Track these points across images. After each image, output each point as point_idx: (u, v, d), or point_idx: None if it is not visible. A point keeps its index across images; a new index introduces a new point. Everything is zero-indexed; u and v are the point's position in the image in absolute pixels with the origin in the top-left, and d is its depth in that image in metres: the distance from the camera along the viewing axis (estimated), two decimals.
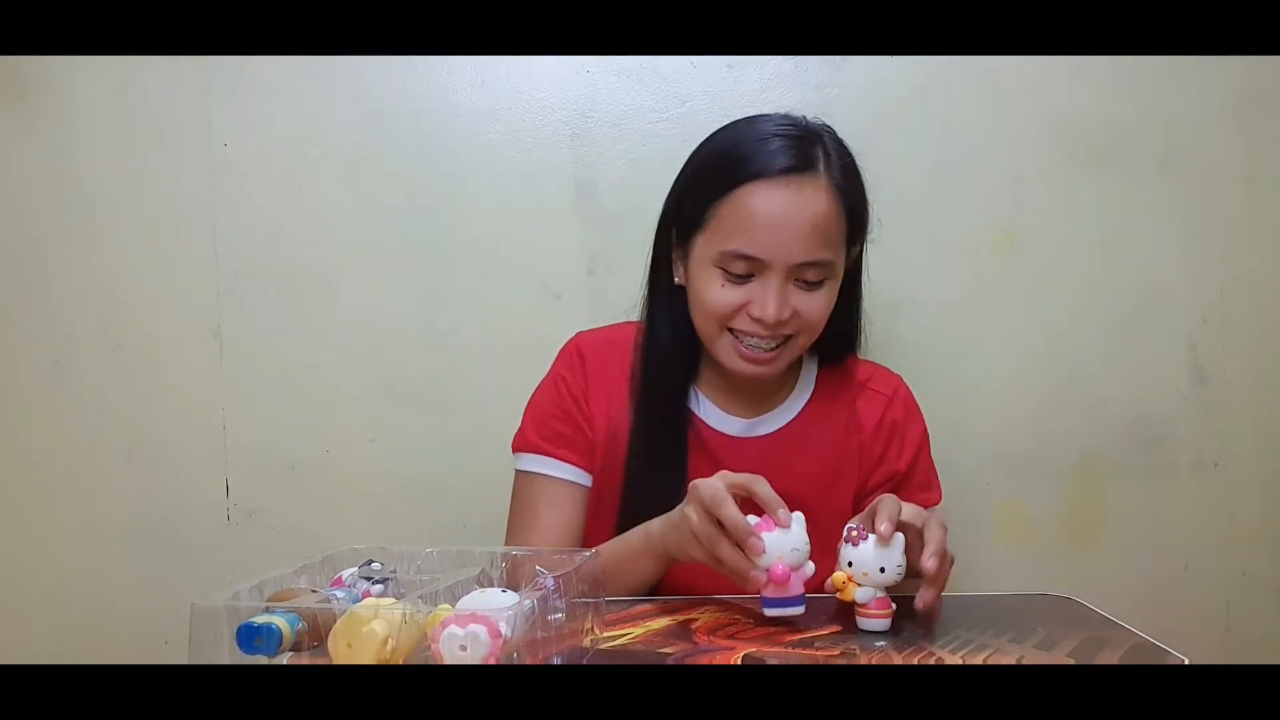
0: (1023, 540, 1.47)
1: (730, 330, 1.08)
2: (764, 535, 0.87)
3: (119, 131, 1.44)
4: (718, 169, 1.07)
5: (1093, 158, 1.45)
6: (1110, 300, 1.46)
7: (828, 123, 1.11)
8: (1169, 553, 1.47)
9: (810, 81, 1.44)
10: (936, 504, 1.18)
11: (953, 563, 0.93)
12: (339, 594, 0.84)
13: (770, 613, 0.89)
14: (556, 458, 1.16)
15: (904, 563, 0.87)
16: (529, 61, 1.44)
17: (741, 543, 0.87)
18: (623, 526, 1.10)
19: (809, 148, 1.05)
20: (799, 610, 0.89)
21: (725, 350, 1.09)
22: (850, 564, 0.88)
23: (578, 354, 1.19)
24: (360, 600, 0.86)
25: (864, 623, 0.89)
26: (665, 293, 1.15)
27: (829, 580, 0.90)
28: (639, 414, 1.14)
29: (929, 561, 0.87)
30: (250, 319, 1.45)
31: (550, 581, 0.81)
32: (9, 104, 1.44)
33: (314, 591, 0.84)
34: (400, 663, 0.73)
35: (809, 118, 1.10)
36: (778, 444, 1.16)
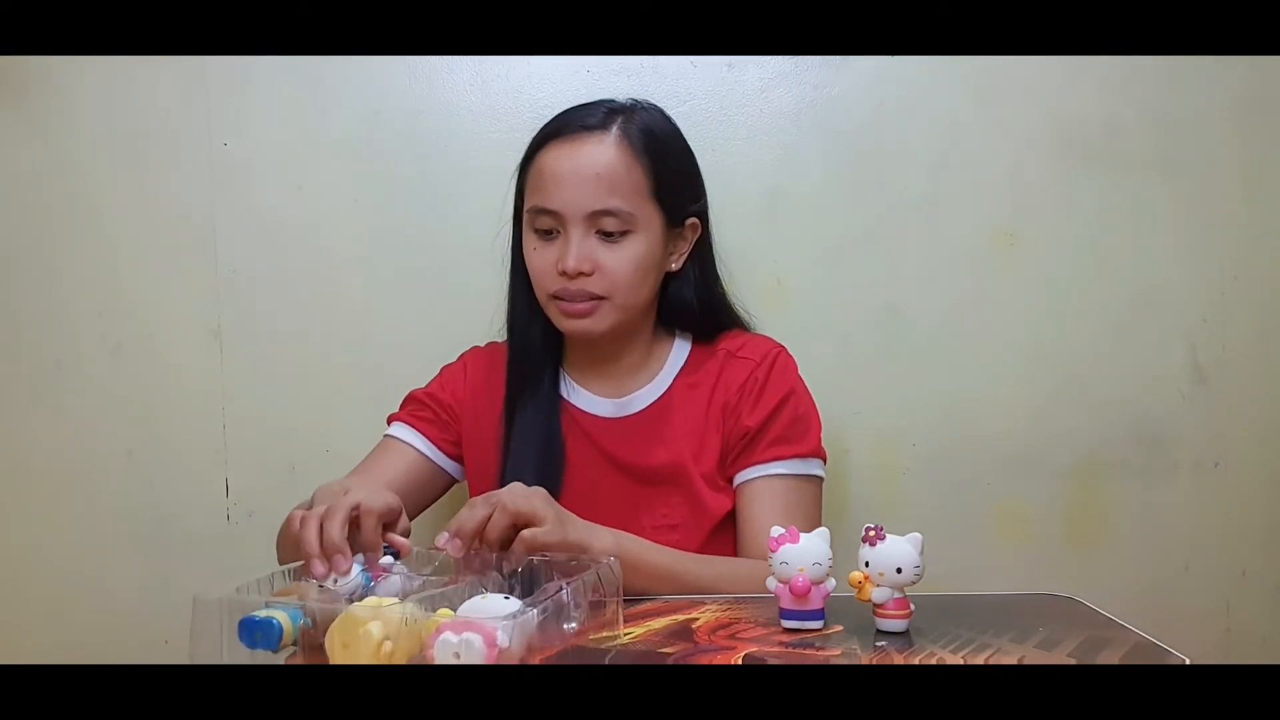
0: (1023, 540, 1.47)
1: (555, 298, 1.14)
2: (786, 546, 0.87)
3: (119, 131, 1.44)
4: (529, 146, 1.16)
5: (1092, 157, 1.45)
6: (1110, 300, 1.46)
7: (658, 105, 1.19)
8: (1169, 553, 1.47)
9: (810, 81, 1.44)
10: (798, 456, 1.16)
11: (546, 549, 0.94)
12: (356, 568, 0.85)
13: (788, 624, 0.89)
14: (412, 426, 1.23)
15: (922, 564, 0.86)
16: (529, 61, 1.44)
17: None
18: None
19: (606, 114, 1.14)
20: (818, 624, 0.88)
21: (555, 314, 1.15)
22: (868, 564, 0.87)
23: (461, 364, 1.28)
24: (373, 582, 0.86)
25: (882, 623, 0.88)
26: (521, 279, 1.20)
27: (847, 579, 0.90)
28: (510, 399, 1.21)
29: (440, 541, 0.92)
30: (250, 319, 1.45)
31: (565, 587, 0.80)
32: (9, 104, 1.44)
33: (321, 587, 0.84)
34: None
35: (638, 100, 1.18)
36: (647, 420, 1.20)
